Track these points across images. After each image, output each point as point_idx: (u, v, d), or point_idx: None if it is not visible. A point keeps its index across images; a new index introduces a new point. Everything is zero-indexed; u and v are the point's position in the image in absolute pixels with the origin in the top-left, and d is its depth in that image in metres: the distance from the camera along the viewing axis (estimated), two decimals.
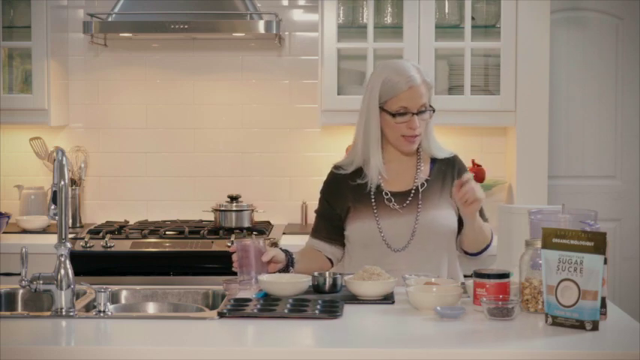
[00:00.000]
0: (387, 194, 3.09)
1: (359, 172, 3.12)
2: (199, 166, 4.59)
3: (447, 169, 3.14)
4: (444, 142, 4.47)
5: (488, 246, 3.14)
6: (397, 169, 3.12)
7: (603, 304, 2.43)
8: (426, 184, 3.09)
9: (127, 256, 3.96)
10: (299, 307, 2.54)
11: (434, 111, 3.07)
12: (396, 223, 3.06)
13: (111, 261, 3.95)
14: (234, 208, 4.24)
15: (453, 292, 2.61)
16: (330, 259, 3.17)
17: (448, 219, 3.08)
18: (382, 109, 3.04)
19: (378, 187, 3.10)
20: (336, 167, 3.19)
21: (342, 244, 3.16)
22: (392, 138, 3.07)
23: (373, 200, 3.09)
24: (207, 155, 4.59)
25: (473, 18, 4.28)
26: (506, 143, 4.51)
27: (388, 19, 4.34)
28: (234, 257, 2.92)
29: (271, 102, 4.57)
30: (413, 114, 3.02)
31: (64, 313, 2.53)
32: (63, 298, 2.54)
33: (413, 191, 3.09)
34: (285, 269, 3.01)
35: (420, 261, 3.02)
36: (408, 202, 3.08)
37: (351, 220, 3.10)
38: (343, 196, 3.13)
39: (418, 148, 3.12)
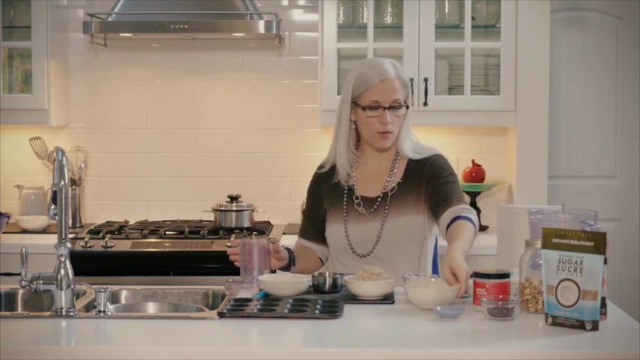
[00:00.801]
0: (357, 198, 3.06)
1: (334, 170, 3.11)
2: (199, 166, 4.59)
3: (418, 171, 3.04)
4: (444, 143, 4.51)
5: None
6: (372, 172, 3.09)
7: (603, 304, 2.43)
8: (396, 188, 3.03)
9: (127, 256, 3.96)
10: (299, 307, 2.54)
11: (407, 108, 3.02)
12: (362, 228, 3.04)
13: (111, 261, 3.95)
14: (234, 208, 4.24)
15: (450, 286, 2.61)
16: (320, 258, 3.18)
17: (415, 227, 3.01)
18: (355, 103, 3.01)
19: (351, 190, 3.08)
20: (319, 166, 3.19)
21: (326, 244, 3.16)
22: (366, 134, 3.03)
23: (345, 204, 3.07)
24: (207, 155, 4.59)
25: (473, 18, 4.28)
26: (506, 143, 4.51)
27: (388, 19, 4.34)
28: (231, 251, 2.91)
29: (271, 102, 4.57)
30: (384, 108, 2.97)
31: (64, 313, 2.53)
32: (63, 298, 2.54)
33: (381, 197, 3.05)
34: (287, 268, 3.02)
35: (386, 267, 2.91)
36: (375, 207, 3.04)
37: (327, 222, 3.11)
38: (321, 197, 3.13)
39: (396, 150, 3.08)
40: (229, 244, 2.99)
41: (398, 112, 3.00)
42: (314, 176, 3.19)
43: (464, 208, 2.90)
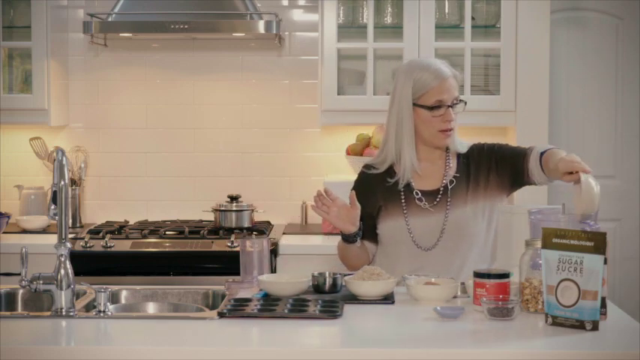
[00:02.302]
0: (417, 193, 3.11)
1: (390, 171, 3.14)
2: (199, 166, 4.59)
3: (470, 162, 3.15)
4: None
5: None
6: (427, 167, 3.14)
7: (603, 304, 2.43)
8: (455, 181, 3.11)
9: (127, 256, 3.95)
10: (299, 307, 2.54)
11: (465, 104, 3.11)
12: (425, 222, 3.08)
13: (111, 261, 3.95)
14: (234, 208, 4.24)
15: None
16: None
17: (477, 216, 3.08)
18: (417, 104, 3.07)
19: (409, 185, 3.12)
20: (367, 167, 3.22)
21: (376, 242, 3.18)
22: (427, 134, 3.09)
23: (403, 199, 3.11)
24: (207, 155, 4.59)
25: (473, 18, 4.28)
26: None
27: (388, 19, 4.34)
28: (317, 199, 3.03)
29: (271, 102, 4.57)
30: (448, 106, 3.06)
31: (64, 313, 2.53)
32: (63, 298, 2.54)
33: (442, 189, 3.11)
34: (354, 237, 3.07)
35: (449, 260, 3.03)
36: (437, 200, 3.10)
37: (382, 218, 3.13)
38: (374, 196, 3.14)
39: (446, 147, 3.15)
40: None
41: (457, 109, 3.09)
42: (362, 177, 3.21)
43: (543, 145, 3.04)
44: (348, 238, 3.09)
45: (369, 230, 3.15)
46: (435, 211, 3.09)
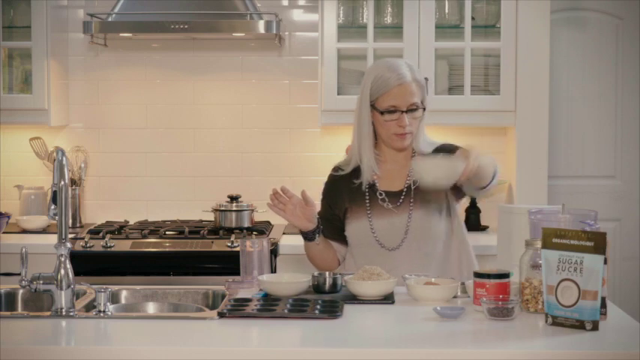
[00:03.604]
0: (381, 194, 3.11)
1: (356, 172, 3.14)
2: (199, 166, 4.59)
3: None
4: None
5: (494, 176, 3.01)
6: (391, 168, 3.14)
7: (603, 304, 2.43)
8: (418, 182, 3.06)
9: (127, 256, 3.95)
10: (299, 307, 2.54)
11: (424, 109, 3.06)
12: (389, 222, 3.08)
13: (111, 261, 3.95)
14: (234, 208, 4.24)
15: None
16: (337, 258, 3.20)
17: (441, 216, 3.08)
18: (373, 107, 3.05)
19: (373, 186, 3.12)
20: (335, 169, 3.22)
21: (345, 244, 3.19)
22: (383, 136, 3.08)
23: (367, 200, 3.11)
24: (207, 155, 4.59)
25: (473, 18, 4.28)
26: (506, 143, 4.51)
27: (388, 19, 4.34)
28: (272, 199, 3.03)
29: (271, 102, 4.57)
30: (402, 112, 3.02)
31: (64, 313, 2.53)
32: (63, 298, 2.54)
33: (405, 190, 3.10)
34: (313, 233, 3.07)
35: (416, 259, 3.04)
36: (400, 200, 3.09)
37: (348, 220, 3.14)
38: (341, 197, 3.15)
39: (412, 148, 3.13)
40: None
41: (415, 115, 3.05)
42: (330, 178, 3.22)
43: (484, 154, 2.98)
44: (306, 236, 3.10)
45: (337, 232, 3.16)
46: (399, 211, 3.08)
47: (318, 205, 3.18)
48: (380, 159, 3.14)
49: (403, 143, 3.07)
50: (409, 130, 3.04)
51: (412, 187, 3.10)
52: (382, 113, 3.03)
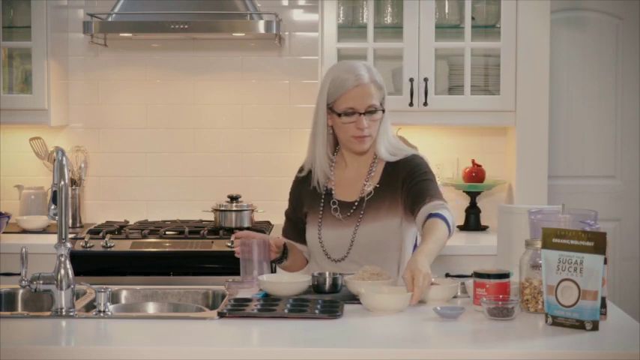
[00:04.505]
0: (334, 203, 3.06)
1: (310, 175, 3.11)
2: (199, 166, 4.59)
3: (394, 174, 3.02)
4: (445, 143, 4.51)
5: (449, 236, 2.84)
6: (350, 176, 3.08)
7: (603, 304, 2.43)
8: (373, 193, 3.02)
9: (127, 256, 3.96)
10: (299, 307, 2.54)
11: (383, 111, 3.00)
12: (336, 233, 3.03)
13: (111, 261, 3.95)
14: (234, 208, 4.24)
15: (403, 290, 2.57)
16: (305, 257, 3.19)
17: (391, 231, 2.99)
18: (331, 109, 3.00)
19: (330, 194, 3.07)
20: (300, 169, 3.18)
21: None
22: (342, 138, 3.03)
23: (321, 208, 3.07)
24: (207, 155, 4.59)
25: (473, 18, 4.28)
26: (506, 143, 4.51)
27: (388, 19, 4.34)
28: (237, 243, 2.91)
29: (271, 102, 4.57)
30: (360, 114, 2.96)
31: (64, 313, 2.53)
32: (63, 298, 2.54)
33: (357, 202, 3.03)
34: (280, 260, 3.04)
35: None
36: (351, 212, 3.03)
37: (307, 225, 3.10)
38: (302, 201, 3.13)
39: (374, 153, 3.05)
40: (229, 244, 2.98)
41: (374, 117, 2.98)
42: (294, 180, 3.19)
43: (437, 205, 2.84)
44: (275, 262, 3.06)
45: (301, 234, 3.13)
46: (347, 222, 3.02)
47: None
48: (339, 165, 3.09)
49: (362, 146, 3.00)
50: (368, 132, 2.97)
51: (365, 199, 3.01)
52: (340, 115, 2.96)
